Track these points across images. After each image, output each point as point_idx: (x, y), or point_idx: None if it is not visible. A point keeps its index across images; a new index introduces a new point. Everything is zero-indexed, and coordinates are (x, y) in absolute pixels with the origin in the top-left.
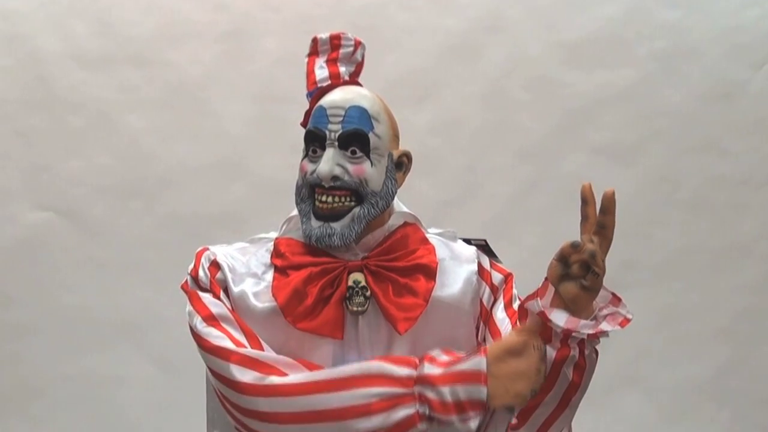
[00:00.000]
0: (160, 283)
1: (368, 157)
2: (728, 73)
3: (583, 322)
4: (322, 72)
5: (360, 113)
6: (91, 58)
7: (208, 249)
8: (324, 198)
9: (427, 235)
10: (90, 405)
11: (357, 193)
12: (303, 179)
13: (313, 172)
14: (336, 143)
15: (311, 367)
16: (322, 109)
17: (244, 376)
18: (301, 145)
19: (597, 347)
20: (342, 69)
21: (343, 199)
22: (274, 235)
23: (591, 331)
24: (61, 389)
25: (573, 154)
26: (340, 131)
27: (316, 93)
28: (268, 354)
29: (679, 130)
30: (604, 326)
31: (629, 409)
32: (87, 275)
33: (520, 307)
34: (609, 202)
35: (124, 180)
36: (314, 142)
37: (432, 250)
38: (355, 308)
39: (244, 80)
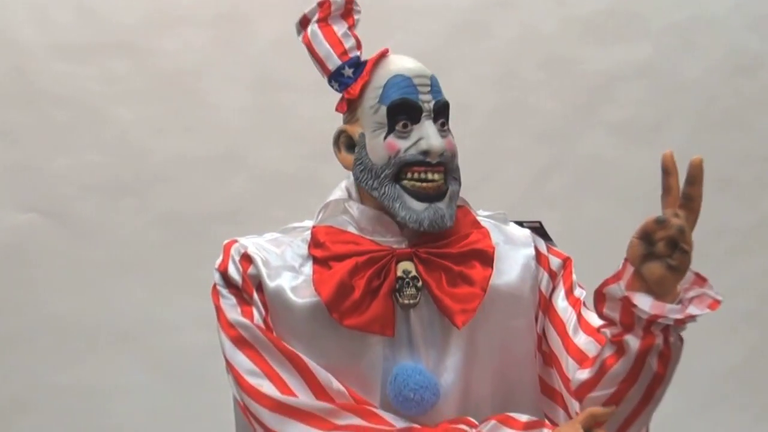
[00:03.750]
0: (157, 286)
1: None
2: (749, 45)
3: (669, 306)
4: (349, 40)
5: (437, 82)
6: (74, 48)
7: (237, 241)
8: (430, 176)
9: (478, 218)
10: (83, 418)
11: (447, 169)
12: (394, 158)
13: (409, 148)
14: (432, 115)
15: (359, 409)
16: (406, 78)
17: (283, 427)
18: (305, 134)
19: (682, 334)
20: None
21: (441, 177)
22: (309, 223)
23: (679, 316)
24: (51, 402)
25: (591, 134)
26: (433, 102)
27: (371, 61)
28: (307, 402)
29: (699, 106)
30: (692, 310)
31: None
32: (77, 279)
33: (598, 292)
34: (697, 171)
35: (115, 177)
36: (403, 114)
37: (486, 234)
38: (406, 301)
39: (240, 67)
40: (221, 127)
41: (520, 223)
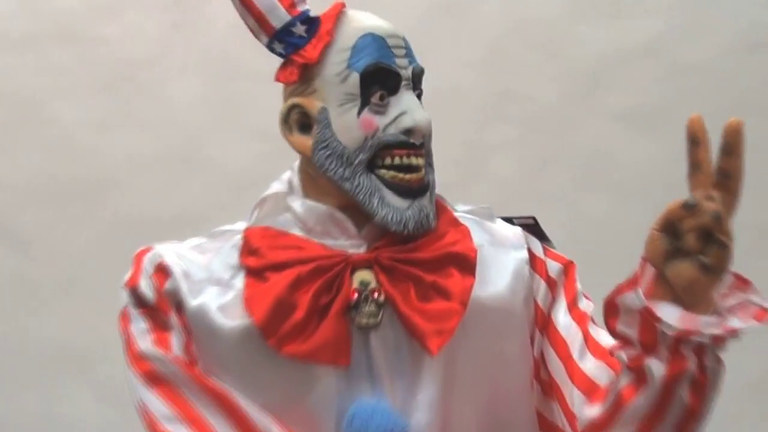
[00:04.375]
0: (108, 303)
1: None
2: (763, 20)
3: (704, 318)
4: None
5: (410, 45)
6: (10, 37)
7: (151, 249)
8: (414, 161)
9: (457, 214)
10: None
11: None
12: (371, 138)
13: (389, 125)
14: (411, 84)
15: None
16: (379, 39)
17: None
18: (271, 128)
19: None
20: None
21: (423, 162)
22: (241, 226)
23: (717, 332)
24: None
25: (590, 122)
26: (410, 68)
27: (330, 17)
28: None
29: (709, 89)
30: (734, 323)
31: None
32: (17, 297)
33: (609, 303)
34: (735, 138)
35: (58, 181)
36: (379, 83)
37: (467, 233)
38: (364, 321)
39: (196, 55)
40: (177, 122)
41: (510, 220)
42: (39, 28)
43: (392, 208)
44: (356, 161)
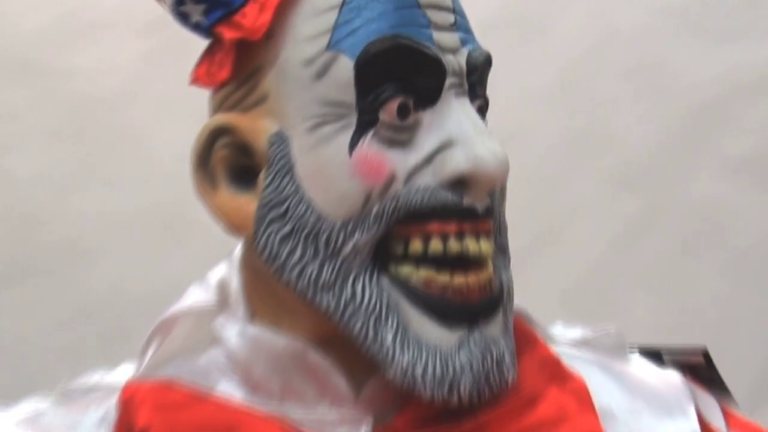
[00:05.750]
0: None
1: None
2: None
3: None
4: None
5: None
6: None
7: None
8: (473, 246)
9: (558, 349)
10: None
11: (495, 225)
12: (380, 199)
13: (420, 169)
14: (465, 86)
15: None
16: None
17: None
18: None
19: None
20: None
21: (489, 249)
22: (123, 375)
23: None
24: None
25: (700, 173)
26: (466, 52)
27: None
28: None
29: None
30: None
31: None
32: None
33: None
34: None
35: (6, 254)
36: (399, 82)
37: (581, 393)
38: None
39: (180, 90)
40: (158, 174)
41: (656, 355)
42: None
43: (425, 349)
44: (347, 248)
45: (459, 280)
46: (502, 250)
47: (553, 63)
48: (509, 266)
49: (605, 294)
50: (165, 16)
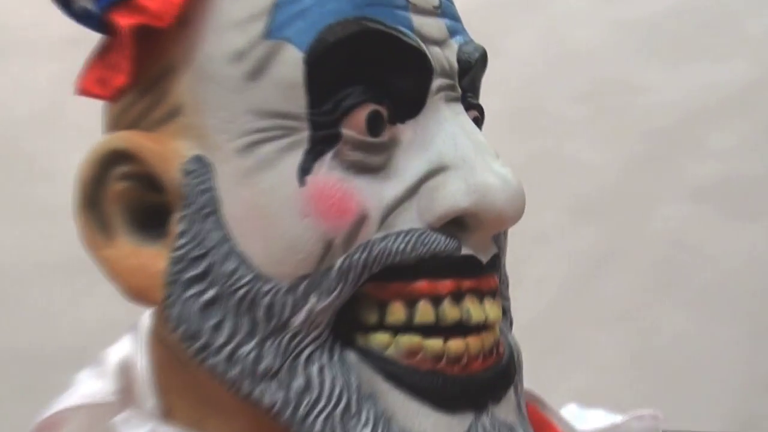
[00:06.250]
0: None
1: None
2: None
3: None
4: None
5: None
6: None
7: None
8: (476, 311)
9: (577, 430)
10: None
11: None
12: (343, 249)
13: (399, 204)
14: (459, 90)
15: None
16: None
17: None
18: None
19: None
20: None
21: (497, 313)
22: None
23: None
24: None
25: (663, 203)
26: (456, 45)
27: None
28: None
29: None
30: None
31: None
32: None
33: None
34: None
35: None
36: (369, 82)
37: None
38: None
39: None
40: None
41: None
42: None
43: None
44: (298, 319)
45: (456, 345)
46: (504, 310)
47: (505, 84)
48: (511, 328)
49: (564, 331)
50: (87, 37)
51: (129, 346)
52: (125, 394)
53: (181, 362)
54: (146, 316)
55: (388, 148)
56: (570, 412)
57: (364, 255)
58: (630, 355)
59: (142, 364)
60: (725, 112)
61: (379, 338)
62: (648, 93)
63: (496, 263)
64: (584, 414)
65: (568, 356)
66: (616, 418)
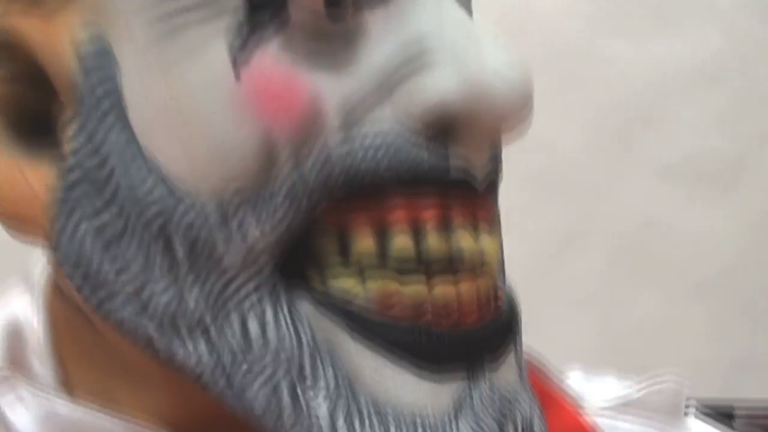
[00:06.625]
0: None
1: None
2: None
3: None
4: None
5: None
6: None
7: None
8: (466, 239)
9: (599, 420)
10: None
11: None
12: (292, 160)
13: (366, 99)
14: None
15: None
16: None
17: None
18: None
19: None
20: None
21: (496, 247)
22: None
23: None
24: None
25: (630, 180)
26: None
27: None
28: None
29: None
30: None
31: None
32: None
33: None
34: None
35: None
36: None
37: None
38: None
39: None
40: None
41: (727, 414)
42: None
43: (395, 421)
44: (233, 253)
45: (443, 291)
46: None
47: None
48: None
49: (529, 314)
50: None
51: (20, 301)
52: (13, 365)
53: (82, 318)
54: (40, 265)
55: (353, 37)
56: (576, 381)
57: (319, 166)
58: (598, 336)
59: (35, 324)
60: (695, 86)
61: (342, 281)
62: (615, 65)
63: (494, 182)
64: (592, 383)
65: (533, 339)
66: (631, 389)
